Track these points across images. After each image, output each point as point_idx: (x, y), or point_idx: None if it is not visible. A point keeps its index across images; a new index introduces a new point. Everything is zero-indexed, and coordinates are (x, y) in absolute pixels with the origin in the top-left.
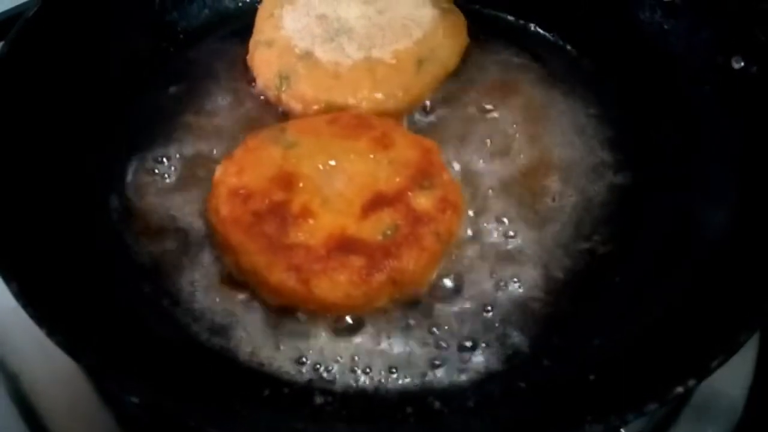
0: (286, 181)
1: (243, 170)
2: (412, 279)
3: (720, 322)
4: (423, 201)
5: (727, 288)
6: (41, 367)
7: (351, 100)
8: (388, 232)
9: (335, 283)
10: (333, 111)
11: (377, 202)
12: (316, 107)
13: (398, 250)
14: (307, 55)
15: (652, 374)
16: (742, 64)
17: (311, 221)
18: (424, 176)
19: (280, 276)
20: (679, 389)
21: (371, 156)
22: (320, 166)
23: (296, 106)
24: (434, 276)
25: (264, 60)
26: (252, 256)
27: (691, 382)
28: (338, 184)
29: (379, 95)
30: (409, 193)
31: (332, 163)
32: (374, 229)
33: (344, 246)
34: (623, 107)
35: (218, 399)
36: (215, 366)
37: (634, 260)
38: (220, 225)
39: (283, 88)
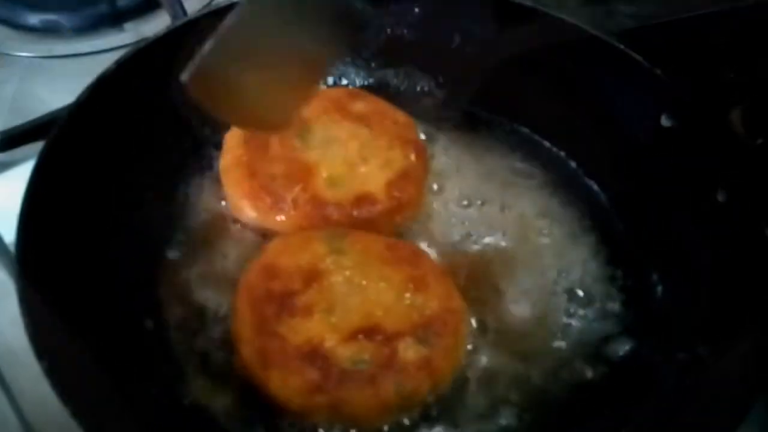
0: (311, 277)
1: (285, 251)
2: (352, 416)
3: None
4: (410, 353)
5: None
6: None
7: None
8: (359, 365)
9: (285, 384)
10: None
11: (369, 333)
12: None
13: (351, 385)
14: None
15: None
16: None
17: (303, 320)
18: (427, 330)
19: (249, 353)
20: None
21: (396, 291)
22: (348, 279)
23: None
24: (383, 427)
25: None
26: (241, 325)
27: None
28: (350, 302)
29: None
30: (401, 339)
31: (361, 282)
32: (349, 355)
33: (312, 356)
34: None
35: None
36: None
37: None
38: (240, 285)
39: None
